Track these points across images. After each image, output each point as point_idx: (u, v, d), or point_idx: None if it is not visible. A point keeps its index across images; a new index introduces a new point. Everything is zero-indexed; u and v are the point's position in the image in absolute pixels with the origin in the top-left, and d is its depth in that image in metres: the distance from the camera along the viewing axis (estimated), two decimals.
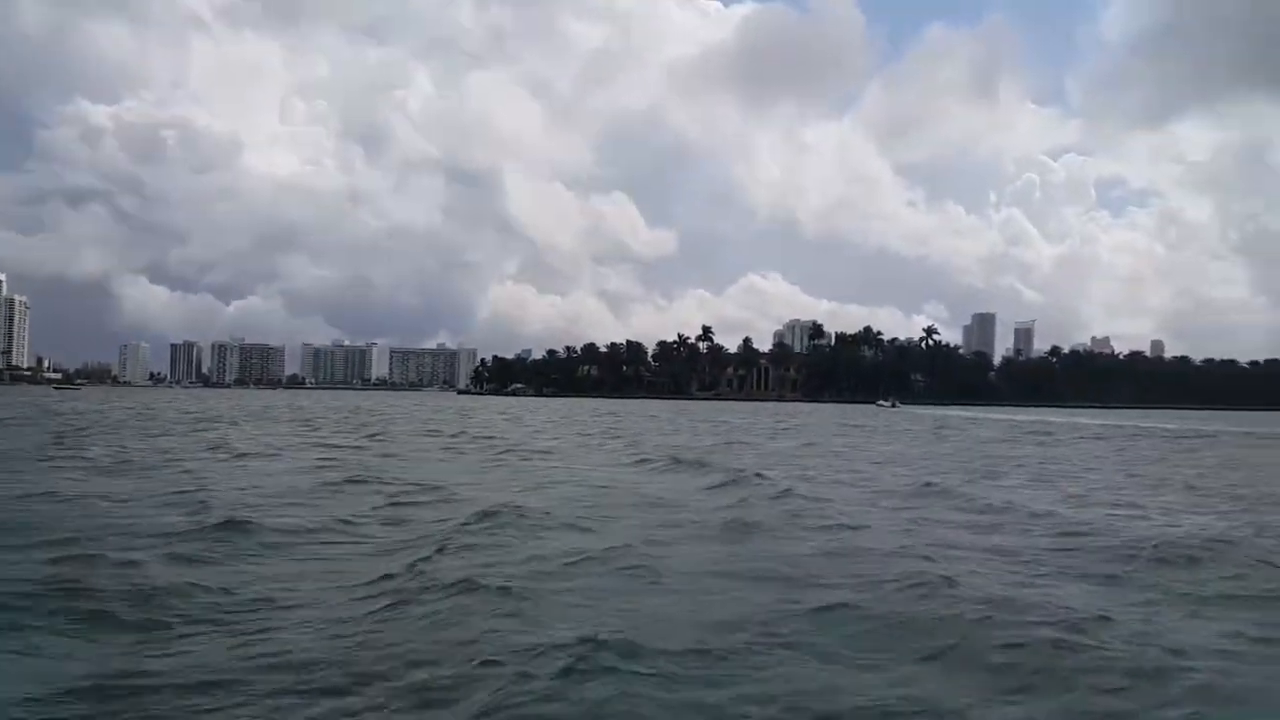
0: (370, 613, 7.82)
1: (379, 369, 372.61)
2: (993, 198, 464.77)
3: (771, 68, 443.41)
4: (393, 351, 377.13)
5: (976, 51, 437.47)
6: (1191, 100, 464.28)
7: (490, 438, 36.27)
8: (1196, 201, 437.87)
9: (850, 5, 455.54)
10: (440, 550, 10.47)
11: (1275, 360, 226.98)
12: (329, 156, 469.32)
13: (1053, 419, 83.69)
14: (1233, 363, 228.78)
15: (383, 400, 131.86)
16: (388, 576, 9.12)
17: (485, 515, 12.86)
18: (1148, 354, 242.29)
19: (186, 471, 19.55)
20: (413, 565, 9.62)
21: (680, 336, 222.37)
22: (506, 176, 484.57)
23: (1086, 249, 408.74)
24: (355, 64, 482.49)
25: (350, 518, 13.15)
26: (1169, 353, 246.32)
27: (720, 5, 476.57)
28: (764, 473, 20.72)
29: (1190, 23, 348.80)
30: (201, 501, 14.17)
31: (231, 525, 11.74)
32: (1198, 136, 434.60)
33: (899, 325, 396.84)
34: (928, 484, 19.22)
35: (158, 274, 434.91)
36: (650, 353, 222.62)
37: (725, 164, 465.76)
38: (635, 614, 7.92)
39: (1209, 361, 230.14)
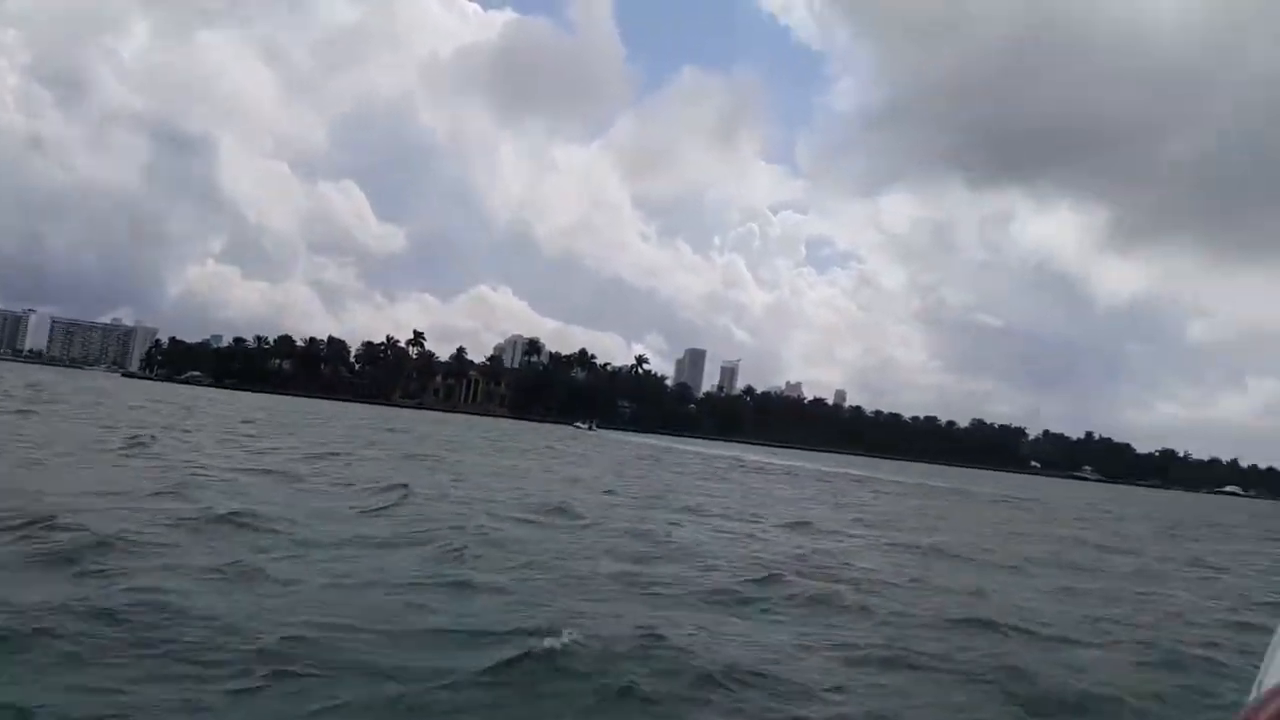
0: None
1: (36, 340, 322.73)
2: (717, 241, 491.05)
3: (527, 81, 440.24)
4: (55, 322, 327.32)
5: (724, 101, 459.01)
6: (900, 176, 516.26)
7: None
8: (890, 269, 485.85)
9: (613, 34, 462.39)
10: None
11: (932, 417, 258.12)
12: (11, 94, 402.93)
13: (713, 451, 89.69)
14: (897, 416, 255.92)
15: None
16: None
17: None
18: (830, 402, 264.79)
19: None
20: None
21: (389, 339, 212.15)
22: (223, 146, 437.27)
23: (793, 300, 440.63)
24: None
25: None
26: (850, 402, 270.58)
27: (479, 9, 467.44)
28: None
29: (909, 107, 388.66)
30: None
31: None
32: (900, 210, 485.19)
33: (620, 351, 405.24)
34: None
35: None
36: (354, 352, 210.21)
37: (468, 169, 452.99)
38: None
39: (878, 413, 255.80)
